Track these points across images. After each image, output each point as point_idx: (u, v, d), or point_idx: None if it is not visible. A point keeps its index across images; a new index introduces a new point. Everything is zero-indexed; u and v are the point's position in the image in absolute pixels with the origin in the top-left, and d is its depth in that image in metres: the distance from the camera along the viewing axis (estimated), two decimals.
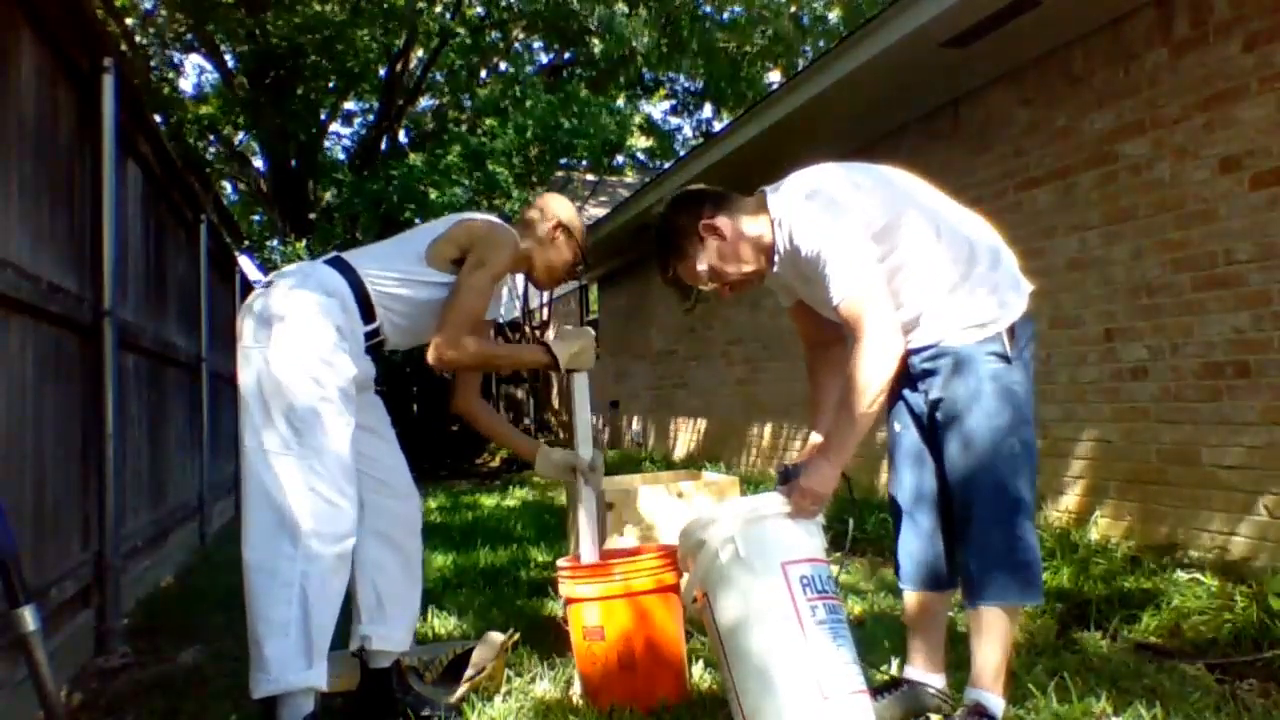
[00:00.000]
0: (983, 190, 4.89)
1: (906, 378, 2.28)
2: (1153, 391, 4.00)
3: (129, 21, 12.82)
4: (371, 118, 15.33)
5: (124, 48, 10.60)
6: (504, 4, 13.66)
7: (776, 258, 2.30)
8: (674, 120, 19.32)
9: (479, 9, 13.83)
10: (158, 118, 6.52)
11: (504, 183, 10.92)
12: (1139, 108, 4.06)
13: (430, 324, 2.50)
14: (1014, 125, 4.82)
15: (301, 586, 2.21)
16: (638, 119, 16.78)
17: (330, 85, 13.43)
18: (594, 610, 2.46)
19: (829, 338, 2.46)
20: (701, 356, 9.33)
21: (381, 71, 13.72)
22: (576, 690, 2.58)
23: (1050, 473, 4.52)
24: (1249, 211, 3.57)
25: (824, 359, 2.49)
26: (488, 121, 11.79)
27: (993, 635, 2.18)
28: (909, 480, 2.36)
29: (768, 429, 7.81)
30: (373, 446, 2.53)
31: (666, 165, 12.04)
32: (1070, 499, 4.45)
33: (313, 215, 13.86)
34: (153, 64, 13.69)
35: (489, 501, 8.34)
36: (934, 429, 2.27)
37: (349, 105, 16.04)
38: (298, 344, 2.29)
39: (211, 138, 15.75)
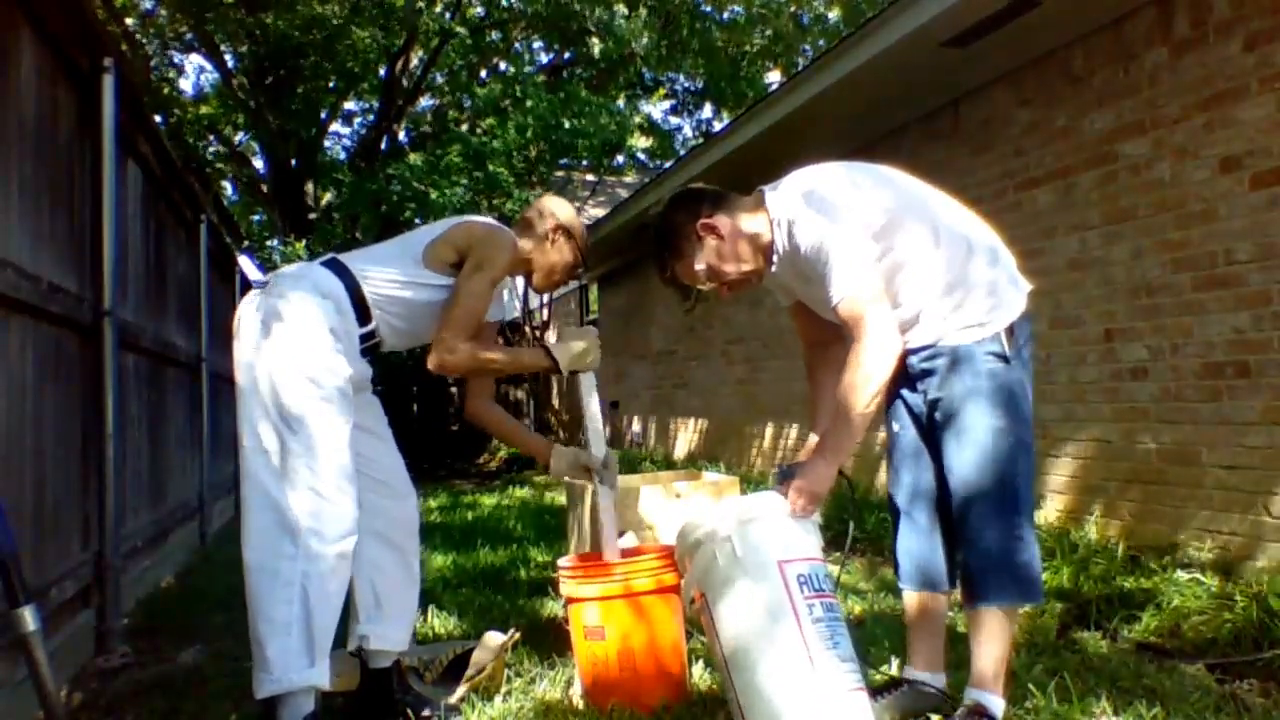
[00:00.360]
0: (983, 190, 4.89)
1: (905, 377, 2.28)
2: (1153, 392, 4.00)
3: (129, 21, 12.82)
4: (371, 118, 15.33)
5: (124, 48, 10.60)
6: (504, 4, 13.66)
7: (775, 257, 2.30)
8: (674, 120, 19.34)
9: (479, 9, 13.83)
10: (158, 118, 6.53)
11: (504, 183, 10.92)
12: (1139, 108, 4.06)
13: (428, 326, 2.50)
14: (1014, 125, 4.82)
15: (302, 586, 2.21)
16: (638, 119, 16.79)
17: (330, 85, 13.43)
18: (594, 610, 2.46)
19: (828, 337, 2.45)
20: (701, 356, 9.33)
21: (381, 71, 13.72)
22: (576, 690, 2.58)
23: (1050, 472, 4.53)
24: (1249, 211, 3.57)
25: (823, 358, 2.49)
26: (488, 121, 11.79)
27: (992, 635, 2.18)
28: (908, 480, 2.36)
29: (768, 429, 7.81)
30: (370, 447, 2.53)
31: (667, 165, 12.04)
32: (1070, 499, 4.45)
33: (313, 215, 13.86)
34: (153, 64, 13.69)
35: (489, 501, 8.34)
36: (932, 429, 2.27)
37: (349, 105, 16.05)
38: (294, 345, 2.30)
39: (211, 138, 15.75)
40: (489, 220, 2.64)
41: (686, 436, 9.81)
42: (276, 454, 2.24)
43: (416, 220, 10.62)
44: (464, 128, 13.22)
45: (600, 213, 11.85)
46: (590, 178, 15.03)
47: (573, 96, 11.57)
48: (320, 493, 2.24)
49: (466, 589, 4.11)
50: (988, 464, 2.15)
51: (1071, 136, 4.43)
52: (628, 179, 16.74)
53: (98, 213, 3.44)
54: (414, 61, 14.12)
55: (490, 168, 10.86)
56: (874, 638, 2.98)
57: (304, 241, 11.85)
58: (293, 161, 13.91)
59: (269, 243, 14.93)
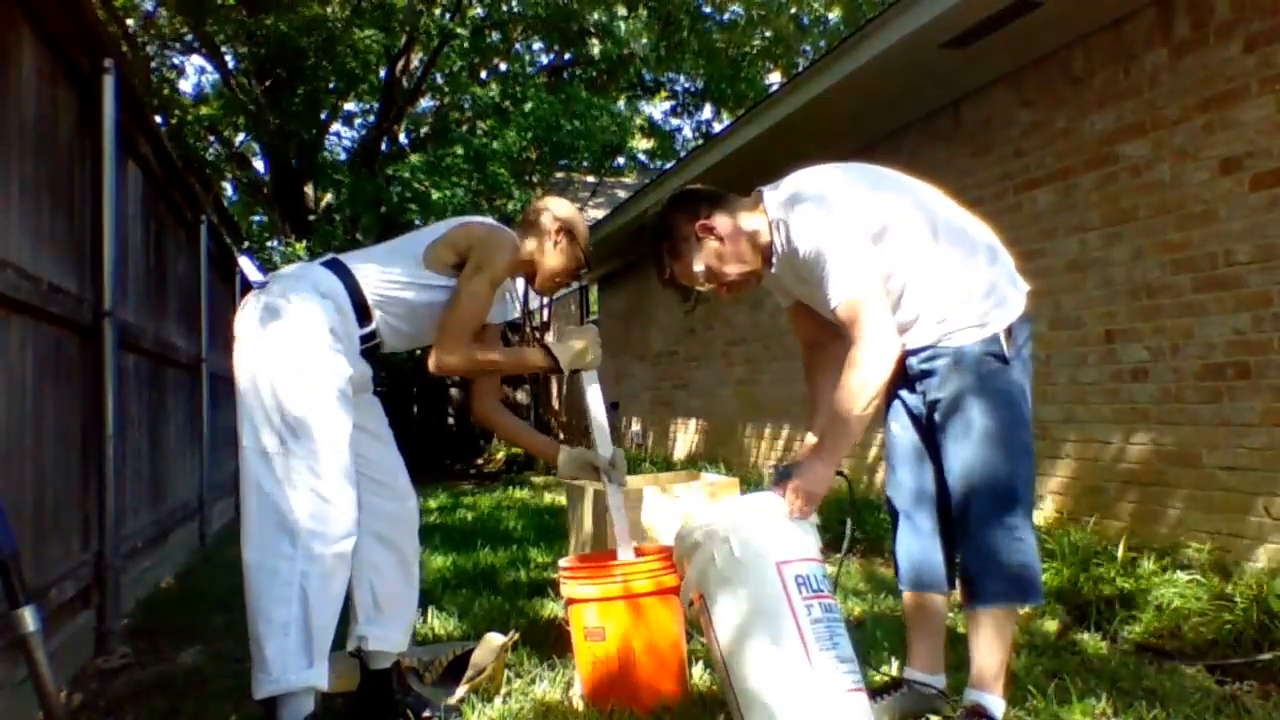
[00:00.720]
0: (983, 191, 4.89)
1: (904, 378, 2.28)
2: (1153, 393, 4.00)
3: (130, 22, 12.83)
4: (372, 119, 15.32)
5: (124, 48, 10.61)
6: (504, 6, 13.65)
7: (774, 258, 2.30)
8: (674, 121, 19.32)
9: (479, 10, 13.82)
10: (158, 118, 6.54)
11: (505, 184, 10.92)
12: (1139, 109, 4.06)
13: (429, 327, 2.50)
14: (1014, 126, 4.82)
15: (301, 587, 2.21)
16: (639, 120, 16.78)
17: (331, 86, 13.41)
18: (594, 611, 2.46)
19: (827, 338, 2.44)
20: (701, 357, 9.33)
21: (382, 73, 13.72)
22: (576, 691, 2.58)
23: (1050, 473, 4.53)
24: (1249, 213, 3.57)
25: (822, 359, 2.48)
26: (488, 122, 11.79)
27: (992, 636, 2.18)
28: (907, 481, 2.36)
29: (768, 430, 7.81)
30: (370, 448, 2.53)
31: (667, 166, 12.04)
32: (1070, 499, 4.45)
33: (313, 216, 13.86)
34: (153, 65, 13.69)
35: (488, 502, 8.34)
36: (932, 429, 2.27)
37: (349, 106, 16.04)
38: (293, 345, 2.29)
39: (212, 138, 15.75)
40: (490, 221, 2.63)
41: (686, 437, 9.81)
42: (277, 455, 2.24)
43: (417, 221, 10.61)
44: (464, 129, 13.22)
45: (600, 214, 11.85)
46: (590, 179, 15.03)
47: (573, 98, 11.57)
48: (320, 494, 2.24)
49: (466, 590, 4.11)
50: (987, 465, 2.15)
51: (1072, 137, 4.43)
52: (627, 180, 16.74)
53: (98, 213, 3.44)
54: (414, 62, 14.12)
55: (490, 168, 10.85)
56: (874, 638, 2.98)
57: (304, 242, 11.85)
58: (293, 162, 13.91)
59: (269, 244, 14.93)
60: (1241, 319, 3.60)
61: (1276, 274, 3.47)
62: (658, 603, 2.46)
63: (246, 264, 8.49)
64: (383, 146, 14.03)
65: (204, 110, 15.31)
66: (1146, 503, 4.02)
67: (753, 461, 7.98)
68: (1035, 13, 4.11)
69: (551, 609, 3.62)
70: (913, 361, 2.25)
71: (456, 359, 2.44)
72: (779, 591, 2.06)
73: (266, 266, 11.42)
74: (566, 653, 2.74)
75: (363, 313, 2.44)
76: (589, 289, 14.79)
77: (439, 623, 3.50)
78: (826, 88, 5.31)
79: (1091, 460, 4.34)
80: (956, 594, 2.33)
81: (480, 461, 14.04)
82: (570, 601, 2.55)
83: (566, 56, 15.44)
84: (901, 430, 2.36)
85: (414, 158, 11.95)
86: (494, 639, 2.81)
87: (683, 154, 12.84)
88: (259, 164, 16.10)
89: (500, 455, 13.50)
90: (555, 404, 12.62)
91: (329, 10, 11.99)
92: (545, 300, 11.04)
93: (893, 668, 2.63)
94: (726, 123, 9.68)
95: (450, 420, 15.21)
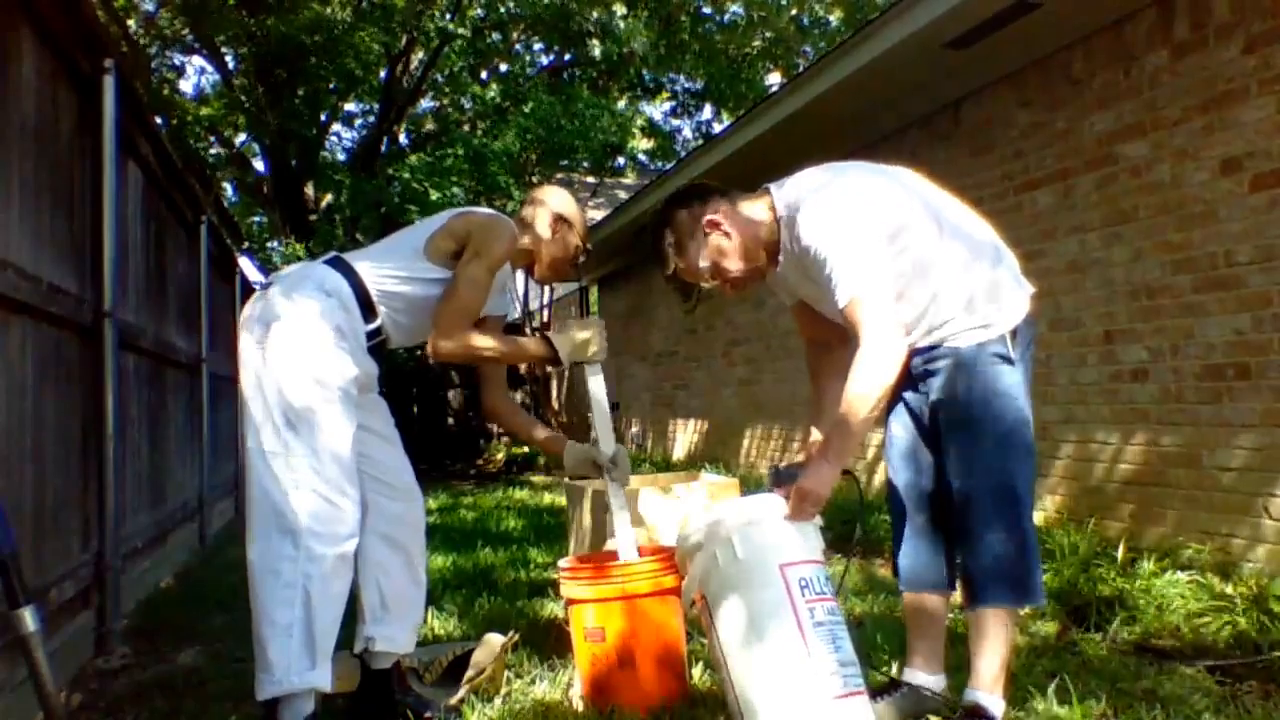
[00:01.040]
0: (983, 191, 4.89)
1: (907, 378, 2.27)
2: (1153, 393, 4.00)
3: (130, 23, 12.83)
4: (372, 119, 15.32)
5: (125, 49, 10.60)
6: (503, 7, 13.65)
7: (781, 256, 2.29)
8: (674, 121, 19.32)
9: (479, 10, 13.82)
10: (158, 119, 6.52)
11: (505, 184, 10.92)
12: (1139, 110, 4.06)
13: (430, 320, 2.49)
14: (1014, 127, 4.82)
15: (304, 588, 2.20)
16: (640, 121, 16.78)
17: (331, 87, 13.41)
18: (594, 612, 2.46)
19: (831, 337, 2.43)
20: (702, 358, 9.33)
21: (382, 73, 13.72)
22: (576, 691, 2.57)
23: (1050, 474, 4.52)
24: (1249, 213, 3.57)
25: (826, 358, 2.47)
26: (488, 122, 11.79)
27: (992, 637, 2.17)
28: (908, 481, 2.36)
29: (768, 430, 7.81)
30: (375, 448, 2.52)
31: (667, 167, 12.04)
32: (1070, 500, 4.45)
33: (313, 217, 13.86)
34: (154, 65, 13.69)
35: (488, 502, 8.34)
36: (934, 430, 2.26)
37: (349, 107, 16.04)
38: (298, 344, 2.29)
39: (212, 139, 15.74)
40: (489, 210, 2.63)
41: (686, 438, 9.81)
42: (280, 455, 2.24)
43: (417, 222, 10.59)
44: (464, 129, 13.22)
45: (600, 214, 11.85)
46: (590, 179, 15.02)
47: (574, 98, 11.57)
48: (323, 494, 2.24)
49: (466, 590, 4.11)
50: (989, 466, 2.15)
51: (1072, 138, 4.43)
52: (628, 180, 16.73)
53: (98, 214, 3.44)
54: (414, 63, 14.12)
55: (490, 168, 10.86)
56: (874, 639, 2.97)
57: (304, 243, 11.85)
58: (293, 163, 13.91)
59: (269, 244, 14.93)
60: (1241, 319, 3.60)
61: (1276, 274, 3.47)
62: (657, 603, 2.45)
63: (246, 264, 8.49)
64: (383, 147, 14.04)
65: (204, 111, 15.31)
66: (1146, 503, 4.02)
67: (753, 462, 7.98)
68: (1035, 14, 4.11)
69: (551, 609, 3.61)
70: (916, 361, 2.24)
71: (453, 344, 2.42)
72: (782, 594, 2.05)
73: (267, 267, 11.43)
74: (566, 653, 2.74)
75: (367, 309, 2.43)
76: (589, 290, 14.79)
77: (439, 623, 3.49)
78: (827, 88, 5.31)
79: (1091, 461, 4.34)
80: (957, 595, 2.33)
81: (480, 461, 14.02)
82: (570, 602, 2.55)
83: (567, 57, 15.44)
84: (903, 430, 2.36)
85: (413, 158, 11.96)
86: (494, 639, 2.81)
87: (683, 154, 12.84)
88: (259, 164, 16.09)
89: (500, 455, 13.49)
90: (555, 404, 12.63)
91: (329, 11, 11.99)
92: (546, 301, 11.04)
93: (892, 668, 2.62)
94: (726, 123, 9.68)
95: (450, 420, 15.21)
